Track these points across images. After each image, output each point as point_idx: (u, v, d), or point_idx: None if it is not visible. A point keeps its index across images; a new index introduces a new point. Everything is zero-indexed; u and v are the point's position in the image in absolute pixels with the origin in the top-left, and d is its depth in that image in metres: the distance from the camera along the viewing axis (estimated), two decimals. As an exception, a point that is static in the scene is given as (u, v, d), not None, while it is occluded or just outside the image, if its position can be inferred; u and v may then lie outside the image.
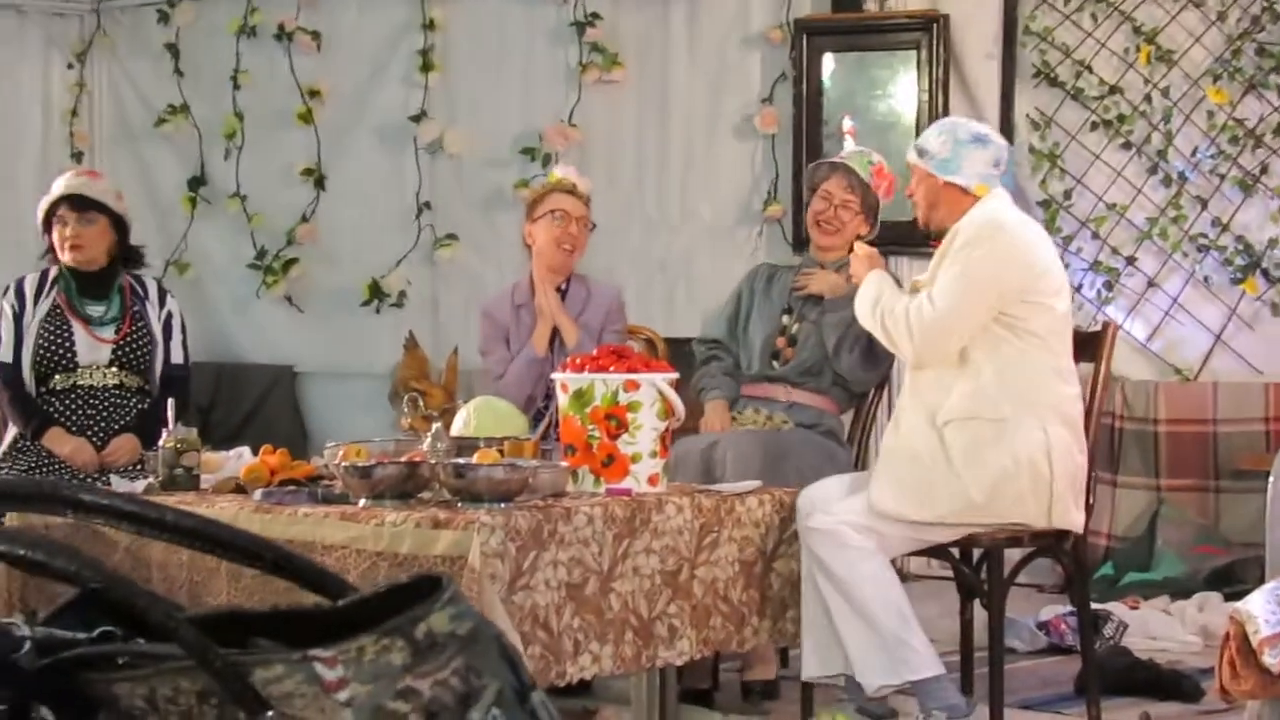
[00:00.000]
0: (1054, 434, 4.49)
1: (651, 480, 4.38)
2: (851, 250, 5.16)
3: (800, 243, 7.02)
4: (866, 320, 4.70)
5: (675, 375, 4.54)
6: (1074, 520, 4.58)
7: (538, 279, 5.58)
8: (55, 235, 5.68)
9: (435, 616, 1.46)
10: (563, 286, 5.62)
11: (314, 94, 8.28)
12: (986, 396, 4.49)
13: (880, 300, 4.64)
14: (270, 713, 1.43)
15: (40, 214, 5.72)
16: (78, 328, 5.64)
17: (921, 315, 4.51)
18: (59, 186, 5.73)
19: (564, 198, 5.57)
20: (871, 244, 5.09)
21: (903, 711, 4.76)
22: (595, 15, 7.75)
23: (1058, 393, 4.54)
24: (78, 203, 5.66)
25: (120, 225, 5.76)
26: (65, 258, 5.67)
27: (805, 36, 7.37)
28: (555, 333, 5.54)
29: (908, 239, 6.84)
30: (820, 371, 5.37)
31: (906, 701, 4.77)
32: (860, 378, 5.36)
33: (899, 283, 4.90)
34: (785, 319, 5.48)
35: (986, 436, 4.46)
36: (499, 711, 1.47)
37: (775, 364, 5.44)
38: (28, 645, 1.57)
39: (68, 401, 5.61)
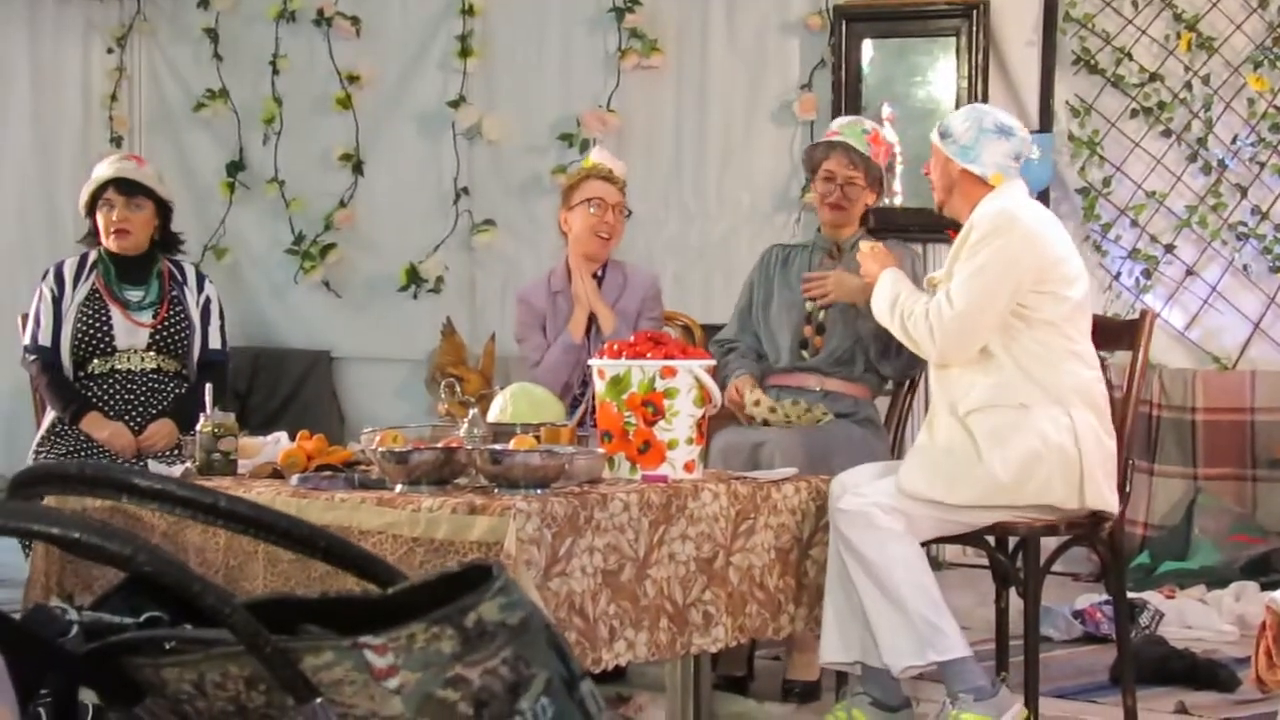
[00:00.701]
0: (1079, 417, 4.49)
1: (688, 467, 4.39)
2: (862, 221, 5.16)
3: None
4: (886, 320, 4.70)
5: (712, 362, 4.55)
6: (1107, 501, 4.57)
7: (574, 265, 5.57)
8: (100, 219, 5.69)
9: (485, 605, 1.46)
10: (599, 273, 5.61)
11: (353, 79, 8.30)
12: (1008, 387, 4.49)
13: (899, 301, 4.64)
14: (319, 699, 1.44)
15: (86, 196, 5.72)
16: (116, 312, 5.66)
17: (942, 315, 4.51)
18: (104, 170, 5.73)
19: (600, 185, 5.55)
20: (874, 231, 5.07)
21: (925, 698, 4.76)
22: (635, 1, 7.74)
23: (1079, 377, 4.55)
24: (125, 187, 5.67)
25: (164, 211, 5.78)
26: (109, 243, 5.68)
27: (844, 23, 7.35)
28: (592, 319, 5.53)
29: (942, 226, 6.83)
30: (851, 359, 5.34)
31: (928, 688, 4.77)
32: (905, 376, 5.36)
33: (914, 278, 4.91)
34: (809, 305, 5.43)
35: (1010, 422, 4.47)
36: (548, 701, 1.47)
37: (805, 354, 5.40)
38: (75, 629, 1.58)
39: (105, 386, 5.63)
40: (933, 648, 4.40)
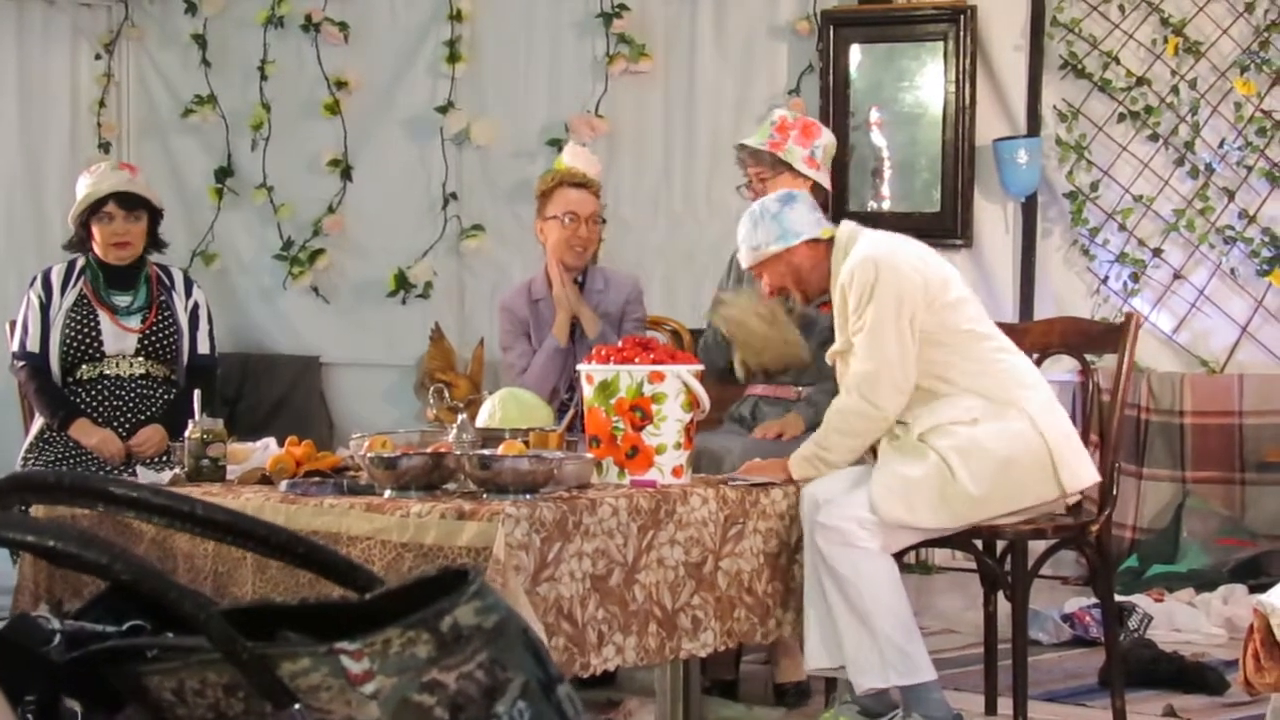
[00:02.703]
0: (1030, 405, 4.50)
1: (676, 472, 4.39)
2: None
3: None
4: (838, 445, 4.57)
5: (700, 367, 4.55)
6: (1084, 476, 4.55)
7: (554, 272, 5.57)
8: (98, 230, 5.67)
9: (461, 609, 1.47)
10: (579, 278, 5.61)
11: (341, 85, 8.29)
12: (955, 407, 4.49)
13: (824, 422, 4.60)
14: (297, 705, 1.44)
15: (82, 206, 5.69)
16: (104, 317, 5.66)
17: (864, 379, 4.50)
18: (98, 182, 5.69)
19: (574, 194, 5.53)
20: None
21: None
22: (622, 6, 7.74)
23: (1015, 368, 4.56)
24: (126, 201, 5.67)
25: (155, 218, 5.79)
26: (108, 254, 5.67)
27: (832, 28, 7.35)
28: (575, 322, 5.53)
29: (931, 230, 6.82)
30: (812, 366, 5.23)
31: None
32: None
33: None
34: None
35: (968, 436, 4.45)
36: (525, 704, 1.47)
37: None
38: (58, 638, 1.58)
39: (94, 392, 5.63)
40: (895, 670, 4.39)
